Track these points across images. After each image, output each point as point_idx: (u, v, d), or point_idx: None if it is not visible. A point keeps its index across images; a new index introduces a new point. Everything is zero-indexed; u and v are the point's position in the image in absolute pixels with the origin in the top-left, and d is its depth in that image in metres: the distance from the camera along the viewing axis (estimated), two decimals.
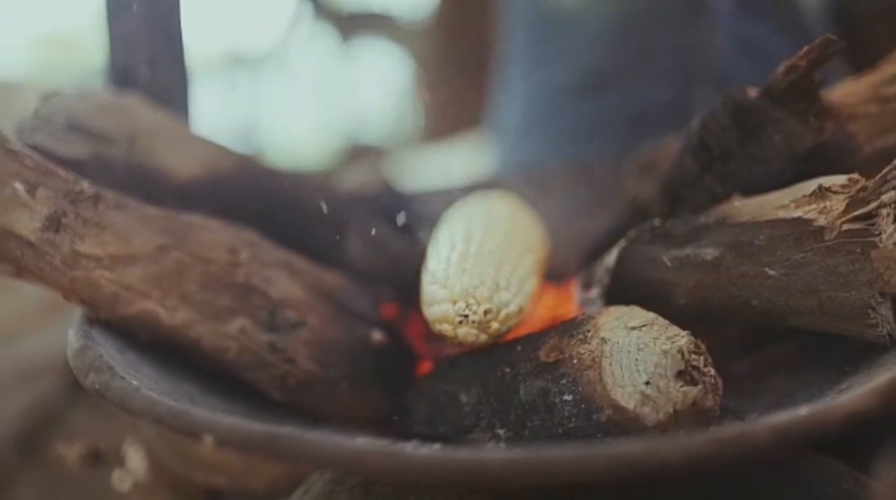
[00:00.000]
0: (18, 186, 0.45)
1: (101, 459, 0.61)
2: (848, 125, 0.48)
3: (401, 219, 0.59)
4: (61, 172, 0.47)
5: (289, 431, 0.33)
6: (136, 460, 0.65)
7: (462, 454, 0.31)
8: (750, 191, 0.47)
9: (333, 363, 0.49)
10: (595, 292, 0.50)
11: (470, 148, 1.50)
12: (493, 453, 0.31)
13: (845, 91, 0.50)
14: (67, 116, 0.52)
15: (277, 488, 0.54)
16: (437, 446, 0.36)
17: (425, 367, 0.52)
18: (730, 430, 0.32)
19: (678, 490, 0.43)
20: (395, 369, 0.51)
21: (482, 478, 0.31)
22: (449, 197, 0.61)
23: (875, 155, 0.48)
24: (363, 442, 0.32)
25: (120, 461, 0.66)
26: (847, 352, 0.45)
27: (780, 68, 0.47)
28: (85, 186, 0.47)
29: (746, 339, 0.52)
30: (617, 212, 0.58)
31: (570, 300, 0.54)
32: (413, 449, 0.31)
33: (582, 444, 0.31)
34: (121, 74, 0.59)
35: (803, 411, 0.33)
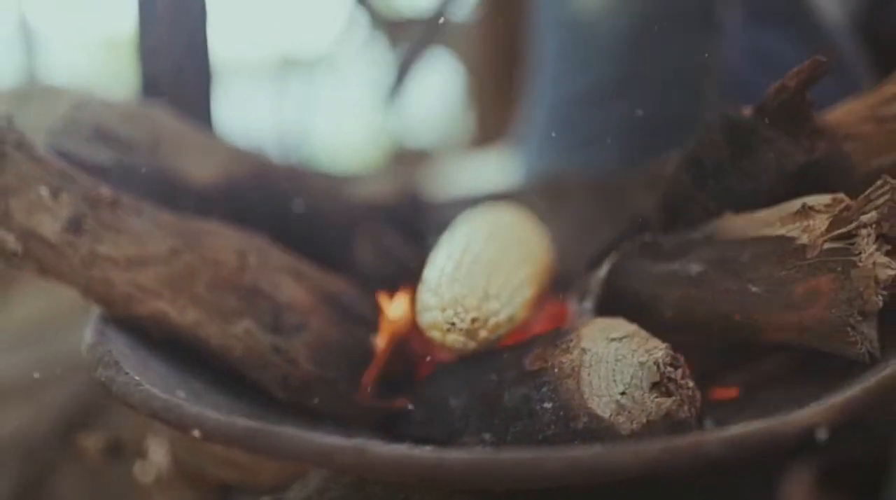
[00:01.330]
0: (43, 190, 0.48)
1: (122, 451, 0.64)
2: (842, 145, 0.48)
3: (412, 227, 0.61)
4: (82, 177, 0.50)
5: (266, 427, 0.35)
6: (159, 454, 0.68)
7: (424, 453, 0.33)
8: (742, 208, 0.48)
9: (333, 365, 0.51)
10: (588, 303, 0.52)
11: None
12: (453, 453, 0.33)
13: (843, 111, 0.50)
14: (95, 124, 0.55)
15: (281, 483, 0.56)
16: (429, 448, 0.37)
17: (424, 371, 0.54)
18: (683, 439, 0.33)
19: (664, 496, 0.44)
20: (395, 372, 0.53)
21: (442, 477, 0.33)
22: (465, 206, 0.63)
23: (870, 174, 0.48)
24: (333, 439, 0.34)
25: (142, 454, 0.69)
26: (839, 367, 0.45)
27: (771, 88, 0.48)
28: (104, 190, 0.50)
29: (743, 351, 0.52)
30: (621, 225, 0.59)
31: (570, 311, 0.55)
32: (380, 447, 0.33)
33: (539, 448, 0.33)
34: (149, 84, 0.62)
35: (758, 423, 0.34)
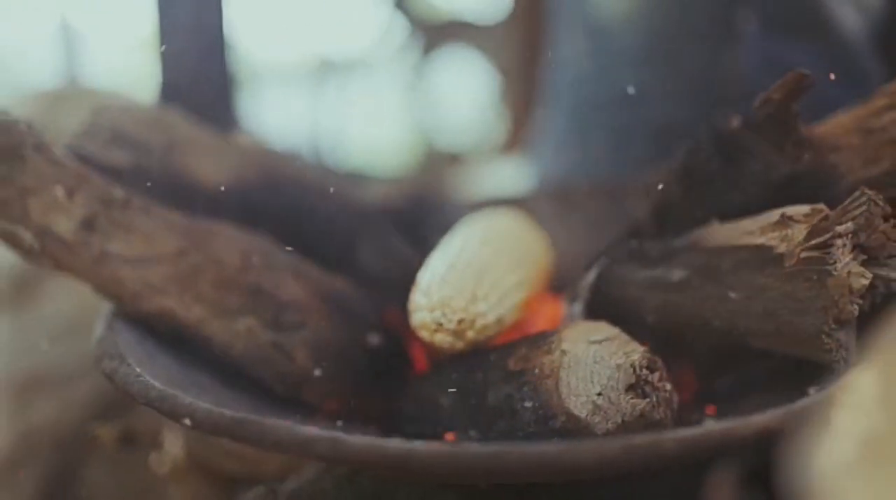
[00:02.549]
0: (59, 190, 0.51)
1: (135, 441, 0.66)
2: (829, 156, 0.49)
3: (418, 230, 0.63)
4: (96, 178, 0.52)
5: (249, 417, 0.37)
6: (174, 446, 0.71)
7: (393, 444, 0.35)
8: (729, 216, 0.49)
9: (331, 363, 0.53)
10: (578, 306, 0.53)
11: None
12: (420, 445, 0.35)
13: (832, 123, 0.51)
14: (113, 128, 0.58)
15: (283, 476, 0.58)
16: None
17: (419, 370, 0.56)
18: (641, 438, 0.34)
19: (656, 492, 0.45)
20: (391, 370, 0.55)
21: (410, 467, 0.35)
22: (472, 210, 0.65)
23: (857, 185, 0.49)
24: (309, 430, 0.36)
25: (158, 445, 0.72)
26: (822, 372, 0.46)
27: (758, 100, 0.49)
28: (116, 192, 0.52)
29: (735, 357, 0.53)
30: (619, 231, 0.60)
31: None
32: (352, 438, 0.35)
33: (504, 443, 0.34)
34: (167, 89, 0.65)
35: (715, 425, 0.35)
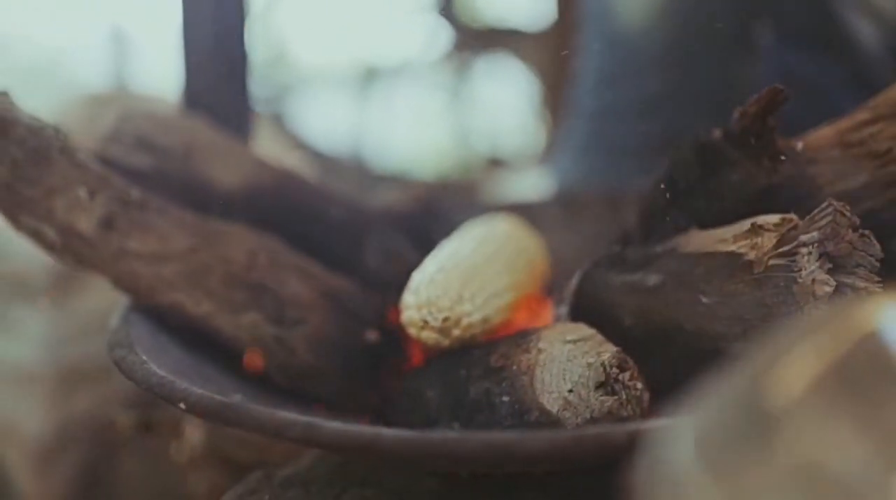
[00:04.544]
0: (81, 191, 0.55)
1: (152, 430, 0.70)
2: (808, 168, 0.51)
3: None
4: (116, 180, 0.56)
5: (236, 402, 0.41)
6: (194, 435, 0.75)
7: (363, 429, 0.38)
8: (708, 225, 0.51)
9: (329, 357, 0.56)
10: (563, 309, 0.56)
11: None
12: (387, 431, 0.37)
13: (813, 136, 0.53)
14: (137, 133, 0.62)
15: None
16: None
17: (413, 366, 0.59)
18: (592, 429, 0.37)
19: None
20: (386, 365, 0.58)
21: (378, 450, 0.38)
22: (478, 214, 0.68)
23: (835, 197, 0.51)
24: (288, 415, 0.39)
25: (179, 434, 0.76)
26: None
27: (735, 113, 0.51)
28: (134, 193, 0.56)
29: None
30: (612, 238, 0.62)
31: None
32: (326, 423, 0.38)
33: (466, 431, 0.37)
34: (190, 97, 0.69)
35: (662, 420, 0.37)
